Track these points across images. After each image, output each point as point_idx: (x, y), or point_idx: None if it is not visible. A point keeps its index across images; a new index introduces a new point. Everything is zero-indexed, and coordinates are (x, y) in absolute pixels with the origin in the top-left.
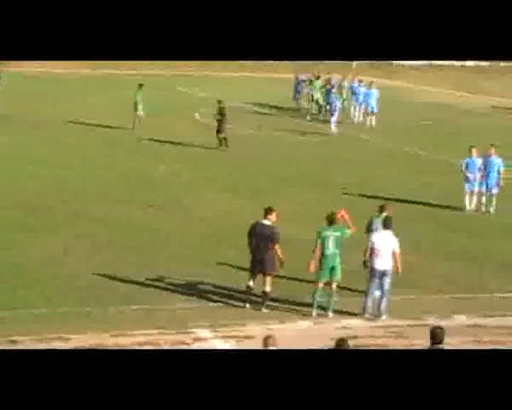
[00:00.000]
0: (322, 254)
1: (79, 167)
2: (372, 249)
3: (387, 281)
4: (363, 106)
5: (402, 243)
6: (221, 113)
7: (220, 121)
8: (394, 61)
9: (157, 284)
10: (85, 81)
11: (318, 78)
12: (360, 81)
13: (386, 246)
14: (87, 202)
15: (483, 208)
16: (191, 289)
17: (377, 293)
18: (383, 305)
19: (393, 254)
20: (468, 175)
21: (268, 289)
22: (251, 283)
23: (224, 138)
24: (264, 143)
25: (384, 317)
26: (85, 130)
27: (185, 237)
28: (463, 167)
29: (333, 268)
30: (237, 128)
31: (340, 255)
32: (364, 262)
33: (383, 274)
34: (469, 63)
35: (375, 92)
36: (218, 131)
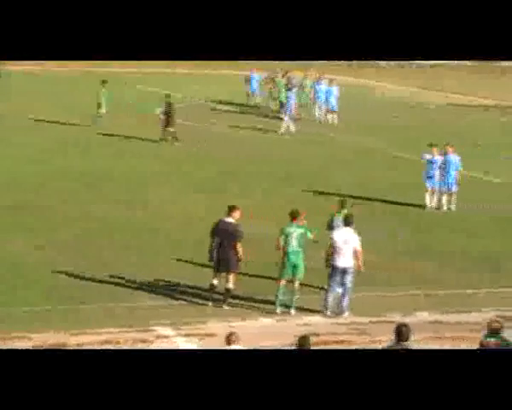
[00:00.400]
0: (285, 252)
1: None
2: (333, 247)
3: (349, 279)
4: (323, 104)
5: (364, 240)
6: (169, 107)
7: (169, 116)
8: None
9: (118, 281)
10: (45, 78)
11: (283, 76)
12: (320, 79)
13: (347, 243)
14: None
15: (444, 207)
16: (153, 287)
17: (339, 290)
18: (345, 303)
19: (355, 251)
20: (429, 173)
21: (231, 286)
22: (215, 281)
23: (174, 132)
24: (226, 140)
25: (346, 314)
26: (39, 128)
27: (146, 235)
28: (424, 165)
29: (295, 266)
30: (199, 125)
31: (303, 252)
32: (326, 260)
33: (344, 272)
34: (433, 61)
35: (335, 90)
36: (167, 126)
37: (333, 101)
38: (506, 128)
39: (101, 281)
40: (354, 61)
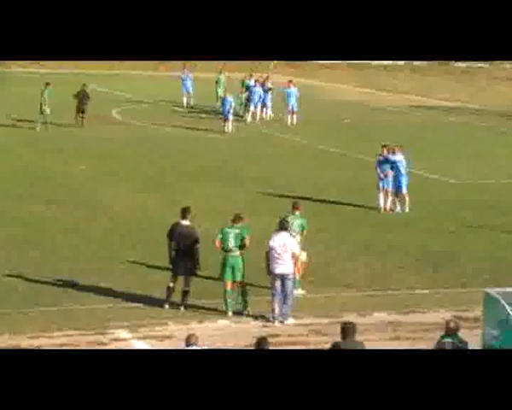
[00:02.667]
0: (224, 252)
1: None
2: (270, 253)
3: (289, 285)
4: (259, 104)
5: (318, 241)
6: (83, 95)
7: (82, 102)
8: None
9: (62, 281)
10: None
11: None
12: (256, 80)
13: (284, 249)
14: None
15: (398, 208)
16: (109, 290)
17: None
18: (287, 309)
19: (293, 256)
20: (380, 173)
21: (188, 288)
22: (172, 283)
23: (83, 118)
24: (169, 138)
25: (290, 321)
26: None
27: (88, 231)
28: (375, 166)
29: (234, 268)
30: (141, 124)
31: (242, 254)
32: (267, 267)
33: (284, 278)
34: (385, 62)
35: (294, 91)
36: (83, 112)
37: (292, 101)
38: (460, 128)
39: (53, 284)
40: (308, 62)
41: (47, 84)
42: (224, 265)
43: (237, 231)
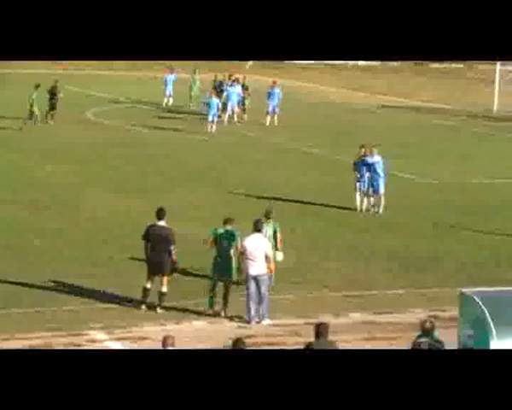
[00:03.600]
0: (216, 253)
1: None
2: (244, 255)
3: (264, 286)
4: (234, 105)
5: (294, 242)
6: (53, 92)
7: (53, 100)
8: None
9: (45, 284)
10: None
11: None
12: (234, 81)
13: (258, 250)
14: None
15: (374, 209)
16: (82, 290)
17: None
18: (263, 310)
19: (266, 256)
20: (357, 175)
21: (164, 289)
22: (148, 285)
23: (52, 115)
24: (151, 142)
25: (267, 322)
26: None
27: (71, 236)
28: (352, 167)
29: (225, 268)
30: (119, 125)
31: (233, 254)
32: (238, 268)
33: (257, 279)
34: (361, 63)
35: (277, 92)
36: (52, 109)
37: (275, 102)
38: (436, 130)
39: (35, 286)
40: (286, 63)
41: (37, 86)
42: (215, 264)
43: (229, 232)
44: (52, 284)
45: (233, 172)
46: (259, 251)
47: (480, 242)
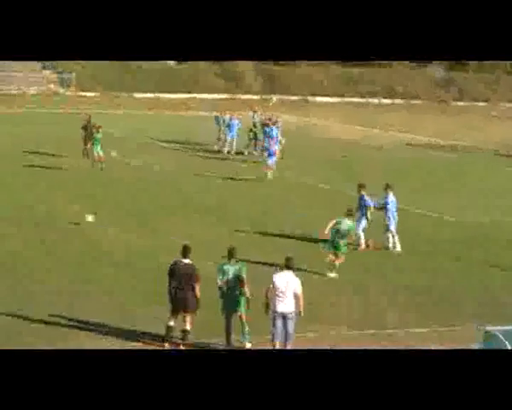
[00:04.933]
0: (223, 288)
1: None
2: (273, 291)
3: (291, 324)
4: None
5: (308, 277)
6: (89, 127)
7: (87, 136)
8: (302, 98)
9: (61, 323)
10: None
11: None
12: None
13: (287, 287)
14: None
15: (390, 245)
16: (108, 329)
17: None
18: (288, 348)
19: (295, 295)
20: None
21: (188, 327)
22: (171, 322)
23: (87, 150)
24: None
25: None
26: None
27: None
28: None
29: (234, 301)
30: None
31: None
32: (266, 305)
33: (285, 317)
34: (373, 100)
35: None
36: (86, 144)
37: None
38: (451, 166)
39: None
40: (301, 100)
41: (99, 127)
42: (224, 298)
43: (236, 266)
44: (72, 322)
45: (240, 206)
46: (288, 290)
47: (494, 278)
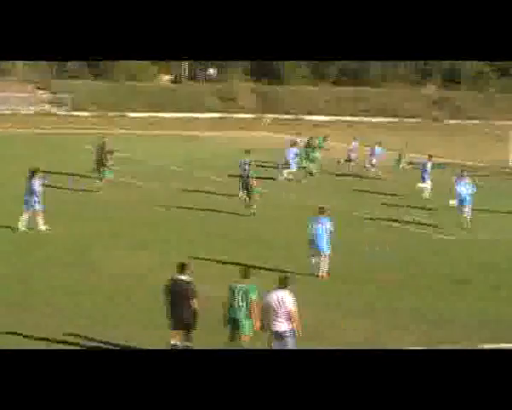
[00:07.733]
0: (230, 307)
1: None
2: (265, 310)
3: (290, 342)
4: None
5: (312, 298)
6: (103, 148)
7: (101, 157)
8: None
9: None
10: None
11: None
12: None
13: (281, 306)
14: None
15: None
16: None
17: None
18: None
19: (288, 313)
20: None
21: (190, 344)
22: (173, 341)
23: (100, 171)
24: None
25: None
26: None
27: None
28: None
29: (239, 321)
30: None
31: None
32: (261, 323)
33: (282, 336)
34: (378, 119)
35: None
36: (104, 165)
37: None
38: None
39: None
40: (298, 119)
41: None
42: (232, 321)
43: (245, 288)
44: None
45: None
46: (282, 308)
47: (496, 299)
